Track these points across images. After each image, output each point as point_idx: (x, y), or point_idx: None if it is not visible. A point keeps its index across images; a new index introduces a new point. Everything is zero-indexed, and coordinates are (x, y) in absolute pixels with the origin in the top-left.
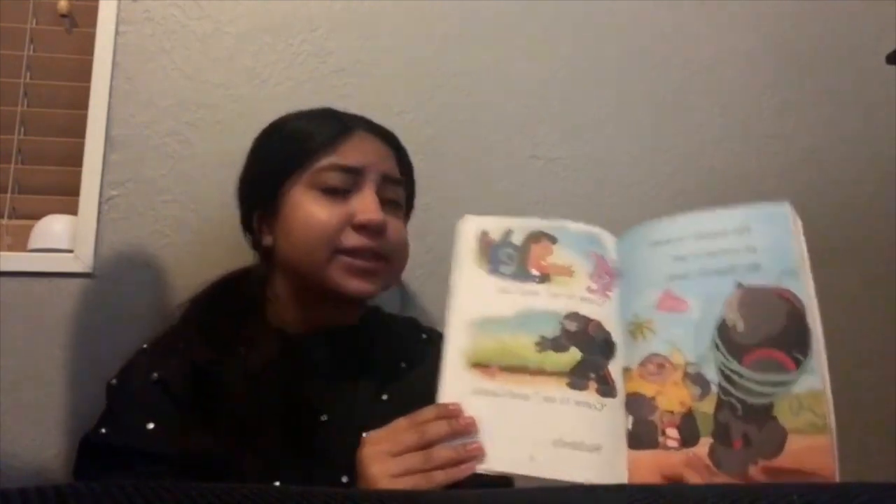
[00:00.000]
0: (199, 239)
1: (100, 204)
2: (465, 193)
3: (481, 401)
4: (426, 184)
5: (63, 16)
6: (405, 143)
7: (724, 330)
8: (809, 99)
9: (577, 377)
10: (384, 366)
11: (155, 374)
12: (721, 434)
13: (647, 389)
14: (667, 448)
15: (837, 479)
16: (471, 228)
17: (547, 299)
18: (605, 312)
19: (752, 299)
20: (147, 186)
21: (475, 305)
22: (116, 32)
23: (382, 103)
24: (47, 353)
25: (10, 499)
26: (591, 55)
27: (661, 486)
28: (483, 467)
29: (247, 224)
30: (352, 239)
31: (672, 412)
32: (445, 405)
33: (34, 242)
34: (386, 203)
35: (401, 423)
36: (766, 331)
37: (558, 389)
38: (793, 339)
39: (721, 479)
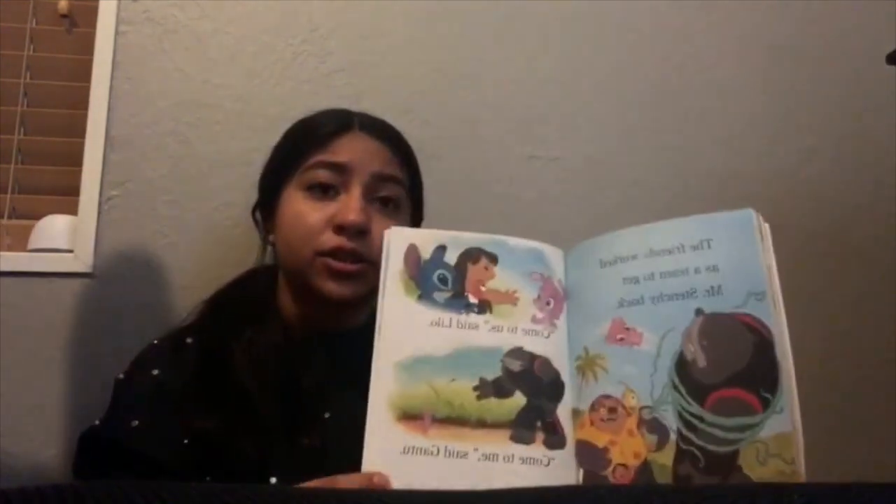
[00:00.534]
0: (199, 239)
1: (100, 204)
2: (465, 194)
3: (412, 462)
4: (425, 184)
5: (63, 16)
6: None
7: (682, 366)
8: (809, 99)
9: (521, 428)
10: None
11: (155, 371)
12: None
13: (599, 439)
14: None
15: None
16: (397, 244)
17: (487, 334)
18: (553, 345)
19: (714, 329)
20: (147, 186)
21: (404, 342)
22: (116, 32)
23: (382, 103)
24: (47, 353)
25: (10, 499)
26: (590, 55)
27: (661, 485)
28: None
29: (258, 222)
30: (331, 240)
31: (626, 465)
32: (370, 476)
33: (34, 242)
34: (380, 201)
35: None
36: (730, 366)
37: (500, 444)
38: (760, 376)
39: None
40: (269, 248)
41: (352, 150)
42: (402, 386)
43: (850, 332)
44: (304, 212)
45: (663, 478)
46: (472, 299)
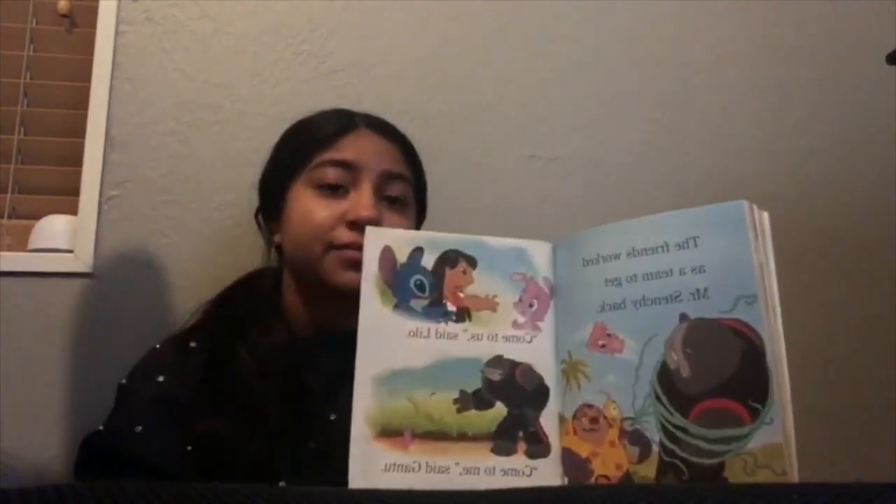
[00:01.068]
0: (199, 239)
1: (100, 204)
2: (465, 194)
3: (394, 479)
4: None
5: (63, 16)
6: None
7: (665, 376)
8: (809, 99)
9: (502, 439)
10: None
11: (160, 378)
12: None
13: (581, 449)
14: None
15: None
16: (373, 244)
17: (466, 344)
18: (536, 350)
19: (699, 336)
20: (147, 186)
21: (381, 355)
22: (116, 32)
23: (382, 103)
24: (47, 353)
25: (10, 499)
26: (590, 55)
27: (660, 485)
28: None
29: (262, 222)
30: (345, 235)
31: (608, 477)
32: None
33: (34, 242)
34: (387, 200)
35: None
36: (716, 376)
37: (482, 458)
38: (749, 385)
39: None
40: (273, 250)
41: (359, 147)
42: (380, 401)
43: (849, 332)
44: (314, 208)
45: None
46: (451, 307)
